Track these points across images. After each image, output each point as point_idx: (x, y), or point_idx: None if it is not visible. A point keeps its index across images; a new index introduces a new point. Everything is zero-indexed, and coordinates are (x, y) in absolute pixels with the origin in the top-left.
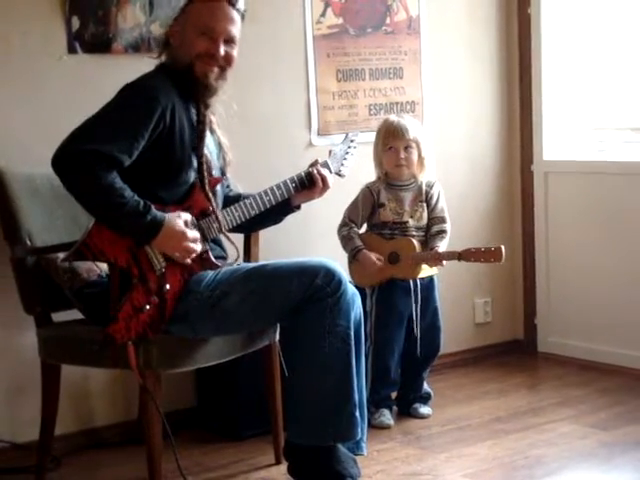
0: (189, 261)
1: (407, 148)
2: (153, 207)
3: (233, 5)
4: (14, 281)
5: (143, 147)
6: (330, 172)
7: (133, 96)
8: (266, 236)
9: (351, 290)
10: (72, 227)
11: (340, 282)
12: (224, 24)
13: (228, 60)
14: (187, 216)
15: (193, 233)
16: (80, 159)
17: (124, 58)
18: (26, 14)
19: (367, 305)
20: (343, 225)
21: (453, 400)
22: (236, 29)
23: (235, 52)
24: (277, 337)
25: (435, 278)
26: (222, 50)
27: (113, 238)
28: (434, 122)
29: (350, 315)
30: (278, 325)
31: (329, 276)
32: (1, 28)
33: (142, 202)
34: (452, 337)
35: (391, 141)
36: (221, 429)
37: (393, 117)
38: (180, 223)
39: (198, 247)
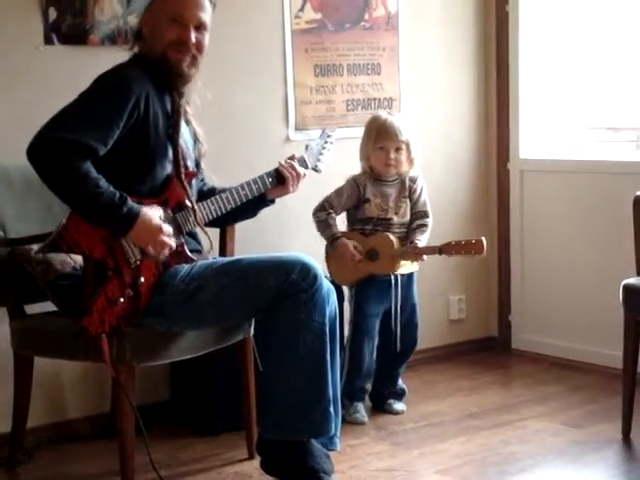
0: (163, 257)
1: (398, 149)
2: (129, 199)
3: None
4: None
5: (118, 136)
6: (306, 167)
7: (107, 85)
8: (242, 230)
9: (326, 285)
10: (47, 218)
11: (315, 277)
12: (194, 10)
13: (199, 47)
14: (160, 211)
15: (168, 227)
16: (55, 148)
17: (101, 50)
18: (2, 4)
19: (347, 297)
20: (321, 209)
21: (427, 396)
22: (206, 15)
23: (206, 39)
24: (252, 332)
25: (414, 274)
26: (193, 37)
27: (88, 230)
28: (411, 119)
29: (325, 310)
30: (253, 320)
31: (304, 271)
32: None
33: (118, 193)
34: (426, 333)
35: (382, 141)
36: (195, 423)
37: (385, 115)
38: (156, 216)
39: (173, 243)
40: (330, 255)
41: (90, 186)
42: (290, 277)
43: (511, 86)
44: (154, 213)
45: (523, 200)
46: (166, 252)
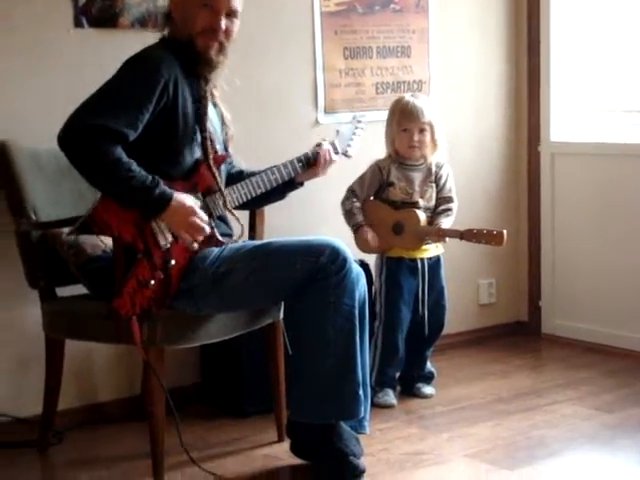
0: (196, 245)
1: (421, 131)
2: (162, 182)
3: None
4: (19, 255)
5: (147, 120)
6: (336, 152)
7: (136, 69)
8: (271, 214)
9: (356, 269)
10: (78, 202)
11: (345, 261)
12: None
13: (228, 35)
14: (192, 197)
15: (201, 212)
16: (85, 134)
17: (130, 33)
18: None
19: (375, 284)
20: (346, 199)
21: (456, 380)
22: (238, 3)
23: (236, 27)
24: (281, 315)
25: (441, 258)
26: (223, 24)
27: (119, 212)
28: (441, 101)
29: (354, 294)
30: (282, 303)
31: (334, 255)
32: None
33: (150, 176)
34: (456, 318)
35: (406, 123)
36: (224, 406)
37: (408, 97)
38: (189, 200)
39: (207, 228)
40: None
41: (122, 170)
42: (319, 260)
43: (542, 68)
44: (188, 197)
45: (554, 183)
46: (200, 238)
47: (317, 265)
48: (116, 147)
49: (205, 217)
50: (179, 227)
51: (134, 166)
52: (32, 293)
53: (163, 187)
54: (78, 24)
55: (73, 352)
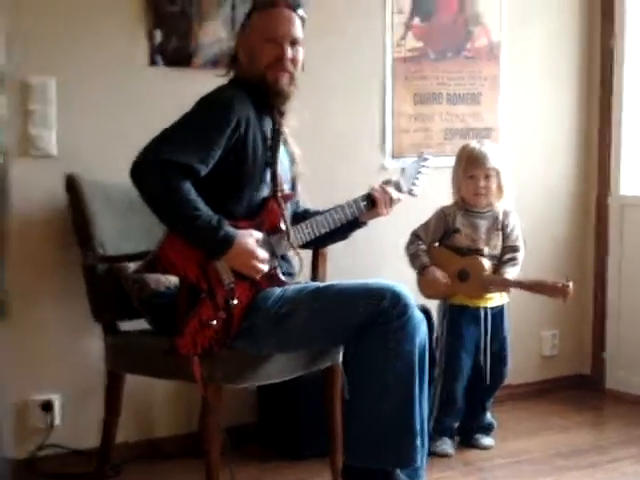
0: (259, 275)
1: (487, 177)
2: (226, 223)
3: (292, 9)
4: (84, 287)
5: (217, 158)
6: (401, 191)
7: (209, 107)
8: (334, 254)
9: (417, 315)
10: (145, 237)
11: (406, 306)
12: (286, 27)
13: (295, 63)
14: (258, 235)
15: (262, 253)
16: (157, 169)
17: (203, 72)
18: (110, 25)
19: (437, 331)
20: (410, 243)
21: (515, 433)
22: (298, 30)
23: (301, 54)
24: (340, 358)
25: (505, 307)
26: (289, 53)
27: (184, 251)
28: (510, 149)
29: (415, 340)
30: (342, 346)
31: (395, 299)
32: (85, 36)
33: (216, 217)
34: (517, 368)
35: (472, 169)
36: (280, 447)
37: (474, 144)
38: (251, 241)
39: (265, 267)
40: (420, 282)
41: (189, 208)
42: (381, 305)
43: (614, 119)
44: (250, 238)
45: (622, 236)
46: (258, 275)
47: (378, 309)
48: (185, 182)
49: (266, 257)
50: (241, 268)
51: (201, 204)
52: (95, 326)
53: (227, 228)
54: (153, 62)
55: (133, 386)
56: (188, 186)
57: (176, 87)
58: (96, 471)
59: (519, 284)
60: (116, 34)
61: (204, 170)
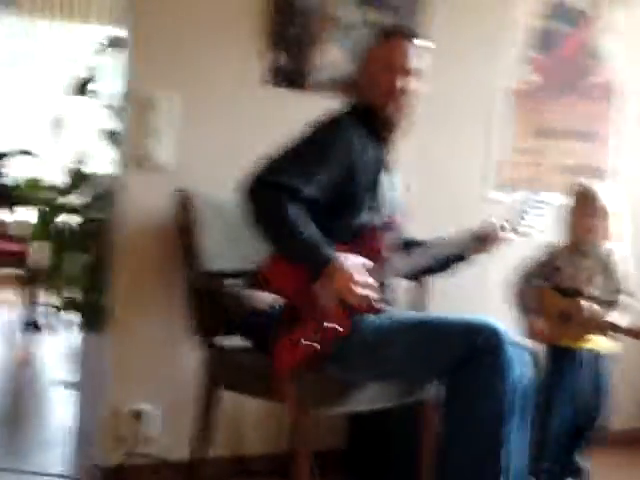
0: (358, 301)
1: (597, 217)
2: (329, 245)
3: (414, 39)
4: (185, 301)
5: (326, 182)
6: (511, 230)
7: (322, 132)
8: (436, 286)
9: (513, 353)
10: (251, 255)
11: (502, 344)
12: (408, 57)
13: (413, 95)
14: (360, 259)
15: (362, 277)
16: (267, 189)
17: (318, 95)
18: (230, 43)
19: (536, 373)
20: (516, 281)
21: None
22: (421, 61)
23: (421, 86)
24: (433, 392)
25: (609, 353)
26: (406, 84)
27: (284, 271)
28: (625, 189)
29: (508, 379)
30: (436, 380)
31: (492, 337)
32: (206, 54)
33: (319, 238)
34: (618, 415)
35: (581, 208)
36: (369, 476)
37: (585, 182)
38: (351, 265)
39: (364, 292)
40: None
41: (294, 227)
42: (476, 341)
43: None
44: (350, 261)
45: None
46: (362, 300)
47: (473, 345)
48: (293, 206)
49: (366, 282)
50: (341, 291)
51: (307, 225)
52: (194, 340)
53: (328, 250)
54: (268, 82)
55: (226, 402)
56: (295, 208)
57: (290, 107)
58: None
59: (625, 330)
60: (235, 53)
61: (312, 194)
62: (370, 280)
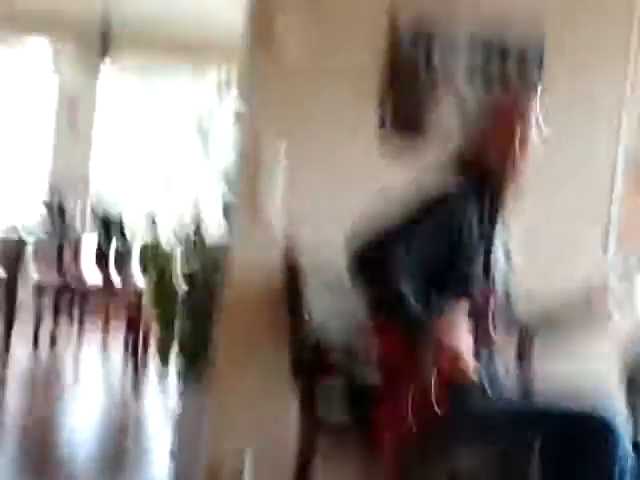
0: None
1: None
2: (434, 317)
3: (535, 99)
4: (289, 359)
5: (434, 248)
6: (617, 306)
7: (435, 211)
8: (542, 353)
9: (624, 451)
10: (354, 319)
11: (614, 441)
12: (528, 120)
13: (524, 156)
14: (465, 326)
15: (468, 346)
16: (376, 263)
17: (433, 145)
18: (345, 94)
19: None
20: (625, 361)
21: None
22: (541, 123)
23: (532, 138)
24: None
25: None
26: (526, 146)
27: (387, 340)
28: None
29: (616, 470)
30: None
31: (604, 431)
32: (313, 106)
33: (423, 311)
34: None
35: None
36: None
37: None
38: (458, 333)
39: (472, 362)
40: None
41: (401, 303)
42: (586, 433)
43: None
44: (458, 330)
45: None
46: (467, 375)
47: (582, 437)
48: (401, 278)
49: (473, 365)
50: (443, 362)
51: (412, 300)
52: (295, 398)
53: (433, 323)
54: (384, 132)
55: (324, 459)
56: (403, 281)
57: (405, 158)
58: None
59: None
60: (348, 103)
61: (420, 268)
62: (472, 356)
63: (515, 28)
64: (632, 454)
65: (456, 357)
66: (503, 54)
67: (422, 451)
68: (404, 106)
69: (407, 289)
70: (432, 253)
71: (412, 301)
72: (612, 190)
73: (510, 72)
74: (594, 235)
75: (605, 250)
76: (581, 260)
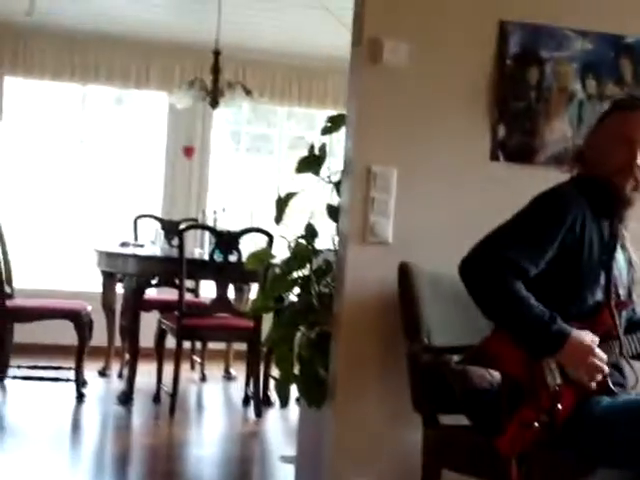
0: (594, 384)
1: None
2: (559, 318)
3: None
4: (407, 377)
5: (550, 257)
6: None
7: (544, 207)
8: None
9: None
10: (471, 330)
11: None
12: None
13: None
14: (592, 336)
15: (601, 352)
16: (490, 265)
17: (545, 170)
18: (453, 118)
19: None
20: None
21: None
22: None
23: None
24: None
25: None
26: None
27: (510, 348)
28: None
29: None
30: None
31: None
32: (428, 129)
33: (548, 312)
34: None
35: None
36: None
37: None
38: (589, 339)
39: (605, 367)
40: None
41: (519, 304)
42: None
43: None
44: (587, 336)
45: None
46: (598, 377)
47: None
48: (517, 281)
49: (604, 356)
50: (576, 366)
51: (532, 301)
52: (416, 417)
53: (561, 324)
54: (494, 157)
55: None
56: (519, 284)
57: (516, 183)
58: None
59: None
60: (459, 128)
61: (534, 270)
62: (605, 358)
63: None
64: None
65: (593, 355)
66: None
67: (551, 459)
68: (516, 136)
69: (523, 289)
70: (549, 254)
71: (535, 303)
72: None
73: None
74: None
75: None
76: None
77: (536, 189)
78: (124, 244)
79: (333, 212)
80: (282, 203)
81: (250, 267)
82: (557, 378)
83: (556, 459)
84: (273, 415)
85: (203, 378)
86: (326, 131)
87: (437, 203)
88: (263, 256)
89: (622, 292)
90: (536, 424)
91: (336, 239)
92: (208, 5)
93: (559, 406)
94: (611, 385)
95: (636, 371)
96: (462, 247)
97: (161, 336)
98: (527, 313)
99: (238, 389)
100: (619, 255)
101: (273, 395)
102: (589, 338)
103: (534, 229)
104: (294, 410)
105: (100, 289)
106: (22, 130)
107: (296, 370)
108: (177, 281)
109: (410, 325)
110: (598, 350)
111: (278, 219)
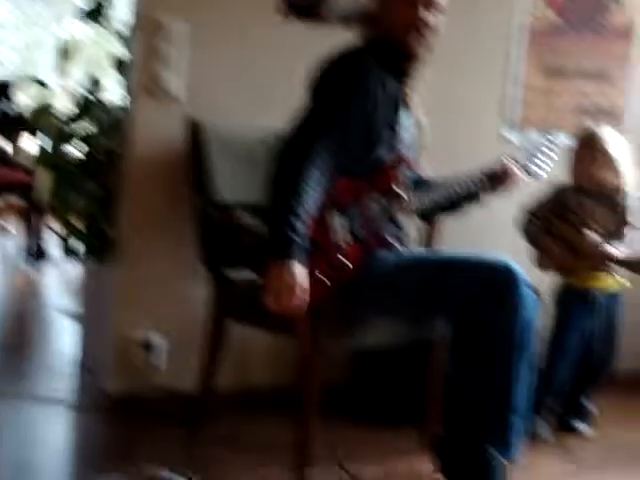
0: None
1: (599, 160)
2: (299, 239)
3: None
4: (195, 233)
5: (350, 133)
6: (524, 173)
7: (346, 83)
8: (446, 228)
9: (525, 291)
10: (259, 188)
11: (516, 282)
12: None
13: (431, 28)
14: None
15: (302, 287)
16: (298, 154)
17: (333, 25)
18: None
19: (545, 312)
20: (525, 221)
21: (621, 423)
22: None
23: (440, 20)
24: (441, 331)
25: (620, 293)
26: (427, 17)
27: None
28: (637, 131)
29: (522, 318)
30: (445, 317)
31: (506, 275)
32: None
33: (300, 225)
34: (627, 355)
35: (584, 151)
36: (372, 413)
37: (592, 126)
38: (301, 275)
39: (298, 302)
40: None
41: (294, 200)
42: (490, 279)
43: None
44: (298, 271)
45: None
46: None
47: (487, 283)
48: (315, 169)
49: (305, 289)
50: (271, 286)
51: (307, 207)
52: (201, 271)
53: (291, 243)
54: (283, 14)
55: (234, 334)
56: (315, 177)
57: (306, 38)
58: (192, 415)
59: (623, 260)
60: None
61: (337, 152)
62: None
63: None
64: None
65: (288, 285)
66: None
67: (335, 310)
68: None
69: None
70: (347, 132)
71: (306, 203)
72: (510, 73)
73: None
74: (495, 110)
75: (506, 125)
76: (483, 135)
77: (322, 44)
78: None
79: (121, 66)
80: (65, 52)
81: (38, 123)
82: (347, 238)
83: (340, 312)
84: (50, 270)
85: None
86: None
87: (228, 59)
88: (48, 109)
89: (406, 152)
90: (322, 277)
91: (124, 93)
92: None
93: (344, 262)
94: (390, 240)
95: (414, 227)
96: (255, 106)
97: None
98: (286, 206)
99: (13, 244)
100: (406, 116)
101: (50, 249)
102: (297, 277)
103: (338, 110)
104: (71, 264)
105: None
106: None
107: (79, 225)
108: None
109: (199, 182)
110: (300, 286)
111: (62, 70)
